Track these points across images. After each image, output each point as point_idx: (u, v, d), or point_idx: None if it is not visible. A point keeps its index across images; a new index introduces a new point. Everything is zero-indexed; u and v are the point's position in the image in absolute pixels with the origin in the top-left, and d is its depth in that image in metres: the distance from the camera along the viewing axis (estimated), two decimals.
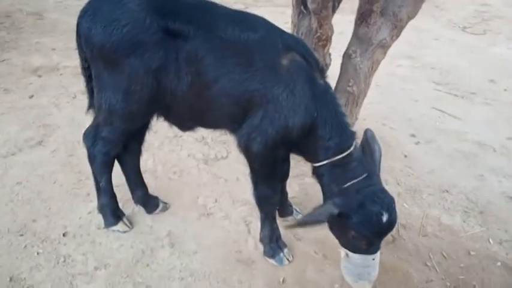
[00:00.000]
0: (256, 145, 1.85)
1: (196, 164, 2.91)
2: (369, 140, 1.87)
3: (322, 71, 1.84)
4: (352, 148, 1.85)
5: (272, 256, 2.19)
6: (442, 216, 2.58)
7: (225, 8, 1.88)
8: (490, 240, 2.42)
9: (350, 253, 1.83)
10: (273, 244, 2.19)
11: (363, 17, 2.42)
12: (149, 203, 2.43)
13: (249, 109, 1.81)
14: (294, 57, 1.78)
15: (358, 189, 1.77)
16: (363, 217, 1.72)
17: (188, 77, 1.79)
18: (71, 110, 3.45)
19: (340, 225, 1.81)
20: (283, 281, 2.12)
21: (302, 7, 2.29)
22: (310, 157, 1.91)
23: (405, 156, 3.09)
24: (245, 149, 1.91)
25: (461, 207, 2.65)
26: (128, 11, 1.75)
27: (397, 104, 3.78)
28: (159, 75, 1.79)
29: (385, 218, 1.69)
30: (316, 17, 2.26)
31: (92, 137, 2.07)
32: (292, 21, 2.49)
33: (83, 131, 2.14)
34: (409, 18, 2.42)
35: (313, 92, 1.79)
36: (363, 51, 2.51)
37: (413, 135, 3.34)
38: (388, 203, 1.73)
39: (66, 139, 3.06)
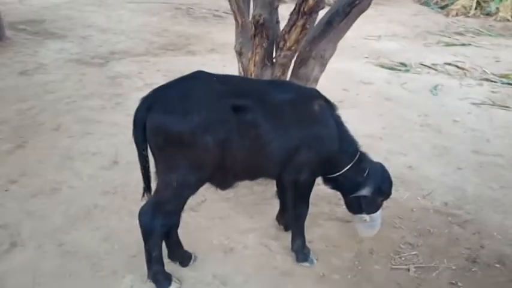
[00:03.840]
0: (305, 175, 2.39)
1: (187, 214, 3.12)
2: None
3: (334, 106, 2.49)
4: (359, 152, 2.55)
5: (305, 260, 2.69)
6: None
7: (259, 79, 2.36)
8: (418, 198, 3.44)
9: (373, 214, 2.56)
10: (305, 250, 2.70)
11: (302, 62, 3.13)
12: (185, 257, 2.61)
13: (296, 151, 2.31)
14: (319, 102, 2.38)
15: (371, 172, 2.50)
16: (386, 184, 2.54)
17: (247, 141, 2.18)
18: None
19: (370, 199, 2.50)
20: (323, 274, 2.66)
21: (266, 61, 2.87)
22: (333, 169, 2.50)
23: None
24: (293, 181, 2.42)
25: None
26: (202, 97, 2.09)
27: None
28: (224, 145, 2.13)
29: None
30: (281, 67, 2.88)
31: (150, 214, 2.23)
32: (252, 73, 3.02)
33: (138, 211, 2.27)
34: (331, 56, 3.26)
35: (335, 122, 2.42)
36: None
37: None
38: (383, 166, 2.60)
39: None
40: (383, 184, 2.52)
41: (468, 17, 8.68)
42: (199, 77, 2.21)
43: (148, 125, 2.07)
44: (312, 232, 2.95)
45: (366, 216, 2.59)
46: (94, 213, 3.08)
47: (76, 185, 3.39)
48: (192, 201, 3.24)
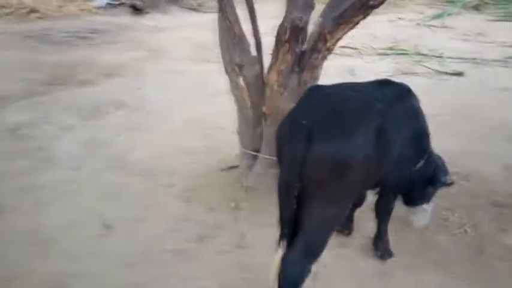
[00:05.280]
0: (407, 171, 2.34)
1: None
2: None
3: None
4: None
5: (391, 255, 2.68)
6: None
7: (368, 82, 2.31)
8: None
9: (430, 203, 2.67)
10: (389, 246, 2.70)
11: None
12: None
13: (407, 148, 2.26)
14: (415, 96, 2.39)
15: (438, 163, 2.61)
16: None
17: (382, 149, 1.99)
18: None
19: (433, 189, 2.61)
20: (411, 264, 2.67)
21: (295, 67, 2.67)
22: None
23: None
24: (397, 179, 2.31)
25: None
26: (357, 114, 1.88)
27: None
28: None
29: None
30: (312, 71, 2.73)
31: (300, 261, 1.92)
32: (274, 82, 2.80)
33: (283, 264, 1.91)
34: None
35: None
36: None
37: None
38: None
39: None
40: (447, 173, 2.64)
41: None
42: (336, 90, 1.97)
43: (313, 157, 1.76)
44: (364, 227, 2.91)
45: (426, 206, 2.68)
46: None
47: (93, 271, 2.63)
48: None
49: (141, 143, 4.20)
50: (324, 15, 2.62)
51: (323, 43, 2.54)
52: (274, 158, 3.07)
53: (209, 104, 5.12)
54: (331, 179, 1.83)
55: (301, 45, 2.57)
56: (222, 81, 4.77)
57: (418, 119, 2.36)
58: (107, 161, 3.85)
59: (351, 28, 2.47)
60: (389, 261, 2.67)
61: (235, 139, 3.59)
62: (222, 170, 3.71)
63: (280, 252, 1.96)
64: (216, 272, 2.60)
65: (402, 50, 6.44)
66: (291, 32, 2.47)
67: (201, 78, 5.87)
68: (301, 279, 1.94)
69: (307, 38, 2.63)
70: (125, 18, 9.32)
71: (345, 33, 2.50)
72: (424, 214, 2.72)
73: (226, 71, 3.12)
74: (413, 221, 2.79)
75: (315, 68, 2.71)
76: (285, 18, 2.53)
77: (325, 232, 1.96)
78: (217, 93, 5.21)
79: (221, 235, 2.94)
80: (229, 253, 2.77)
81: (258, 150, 3.30)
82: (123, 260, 2.71)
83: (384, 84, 2.33)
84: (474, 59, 5.90)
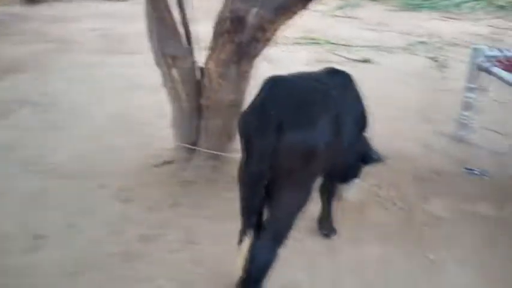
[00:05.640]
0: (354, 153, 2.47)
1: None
2: None
3: None
4: None
5: (335, 232, 2.83)
6: None
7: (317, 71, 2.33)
8: None
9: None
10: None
11: None
12: None
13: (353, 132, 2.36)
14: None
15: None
16: None
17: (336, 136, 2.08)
18: None
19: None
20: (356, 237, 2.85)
21: (234, 58, 2.63)
22: None
23: None
24: (342, 164, 2.42)
25: None
26: (320, 102, 1.92)
27: None
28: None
29: None
30: (251, 61, 2.73)
31: (269, 247, 1.96)
32: (212, 73, 2.74)
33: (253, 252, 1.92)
34: None
35: None
36: None
37: None
38: None
39: None
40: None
41: None
42: (296, 80, 1.97)
43: (284, 147, 1.78)
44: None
45: (357, 180, 2.86)
46: None
47: None
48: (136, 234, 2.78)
49: (59, 144, 3.87)
50: (260, 5, 2.63)
51: (262, 33, 2.55)
52: (214, 152, 3.13)
53: (128, 98, 4.88)
54: (301, 167, 1.88)
55: (241, 36, 2.56)
56: (140, 74, 4.62)
57: (361, 103, 2.51)
58: (23, 165, 3.49)
59: (290, 18, 2.52)
60: (334, 238, 2.82)
61: (163, 133, 3.50)
62: (156, 166, 3.58)
63: (247, 242, 1.97)
64: (170, 270, 2.52)
65: (314, 39, 6.73)
66: (232, 23, 2.45)
67: (116, 71, 5.55)
68: (271, 265, 1.98)
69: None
70: (19, 7, 8.44)
71: (284, 23, 2.55)
72: (356, 188, 2.92)
73: (158, 64, 2.98)
74: (347, 196, 2.97)
75: (254, 58, 2.73)
76: (225, 7, 2.50)
77: (292, 218, 2.01)
78: (135, 87, 5.03)
79: (167, 233, 2.84)
80: (180, 250, 2.70)
81: (194, 144, 3.23)
82: (65, 269, 2.49)
83: (332, 72, 2.43)
84: (379, 46, 6.41)
